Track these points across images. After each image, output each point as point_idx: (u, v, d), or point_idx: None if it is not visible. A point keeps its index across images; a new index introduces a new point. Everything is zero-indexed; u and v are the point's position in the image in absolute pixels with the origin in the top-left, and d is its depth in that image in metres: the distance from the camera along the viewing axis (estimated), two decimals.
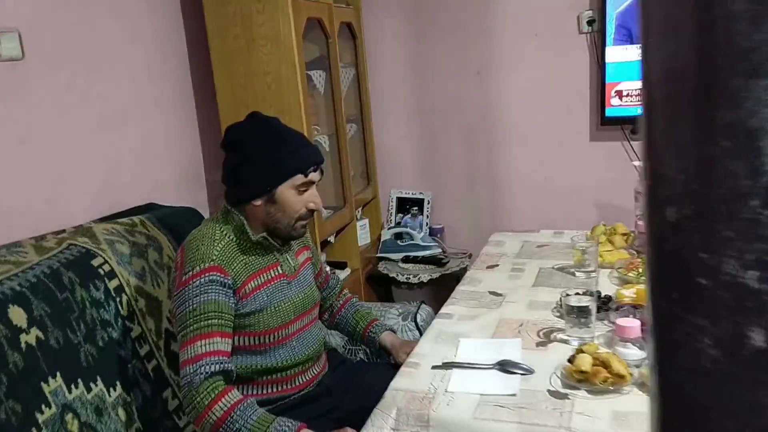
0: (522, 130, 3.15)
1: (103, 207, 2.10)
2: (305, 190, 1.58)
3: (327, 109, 2.86)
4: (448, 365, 1.43)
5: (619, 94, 2.88)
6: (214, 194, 2.75)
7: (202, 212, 2.31)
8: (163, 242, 2.03)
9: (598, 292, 1.52)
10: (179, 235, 2.09)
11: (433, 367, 1.43)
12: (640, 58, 0.39)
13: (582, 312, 1.46)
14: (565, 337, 1.52)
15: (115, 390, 1.69)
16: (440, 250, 3.20)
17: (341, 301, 1.97)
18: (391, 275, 3.08)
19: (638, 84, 2.71)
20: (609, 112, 2.91)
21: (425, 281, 3.06)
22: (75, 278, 1.68)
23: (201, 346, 1.44)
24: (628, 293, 1.66)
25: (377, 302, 2.53)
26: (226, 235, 1.58)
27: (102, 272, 1.77)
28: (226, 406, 1.40)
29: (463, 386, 1.34)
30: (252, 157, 1.56)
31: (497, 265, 2.05)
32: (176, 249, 2.06)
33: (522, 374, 1.37)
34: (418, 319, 2.23)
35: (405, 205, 3.34)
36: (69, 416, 1.53)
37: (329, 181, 2.87)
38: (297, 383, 1.67)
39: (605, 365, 1.29)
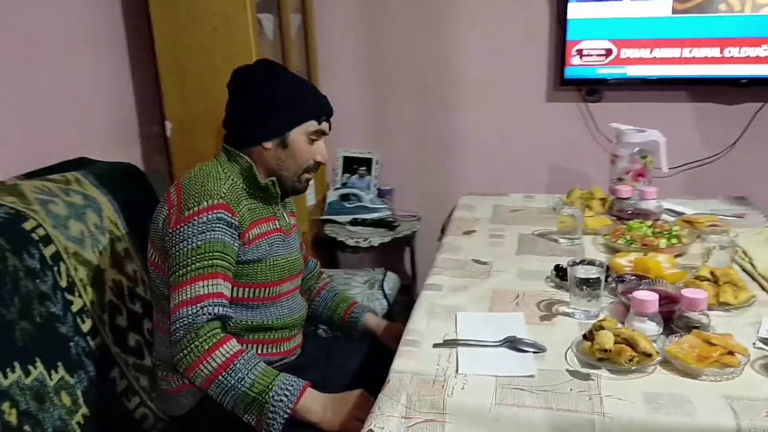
0: (477, 88, 3.02)
1: (22, 161, 1.82)
2: (315, 140, 1.53)
3: (276, 57, 2.62)
4: (451, 343, 1.30)
5: (580, 53, 2.79)
6: (151, 149, 2.48)
7: (140, 168, 2.06)
8: (102, 203, 1.78)
9: (601, 263, 1.42)
10: (121, 196, 1.85)
11: (435, 345, 1.30)
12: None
13: (590, 284, 1.36)
14: (569, 311, 1.41)
15: (56, 372, 1.47)
16: (389, 213, 3.06)
17: (320, 284, 1.83)
18: (339, 239, 2.91)
19: (602, 43, 2.64)
20: (569, 72, 2.82)
21: (375, 245, 2.91)
22: (5, 244, 1.42)
23: (204, 287, 1.34)
24: (624, 262, 1.58)
25: (338, 270, 2.37)
26: (230, 176, 1.48)
27: (36, 237, 1.52)
28: (228, 352, 1.32)
29: (474, 367, 1.21)
30: (267, 98, 1.48)
31: (474, 231, 1.92)
32: (119, 210, 1.82)
33: (534, 352, 1.26)
34: (385, 287, 2.10)
35: (352, 164, 3.16)
36: (5, 405, 1.31)
37: None
38: (282, 349, 1.58)
39: (628, 343, 1.19)
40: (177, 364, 1.34)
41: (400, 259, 3.31)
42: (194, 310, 1.32)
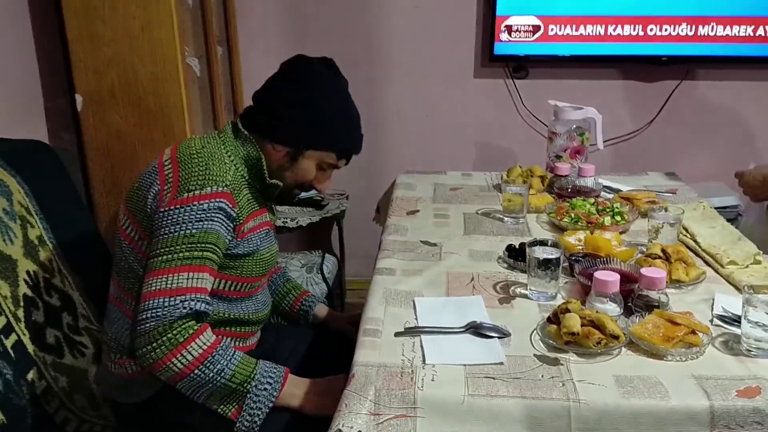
0: (405, 63, 2.95)
1: None
2: (324, 170, 1.45)
3: (195, 26, 2.45)
4: (413, 331, 1.24)
5: (509, 29, 2.77)
6: (57, 125, 2.26)
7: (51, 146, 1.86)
8: (11, 185, 1.60)
9: (556, 242, 1.40)
10: (31, 177, 1.66)
11: (397, 334, 1.24)
12: None
13: (549, 265, 1.34)
14: (527, 292, 1.39)
15: None
16: (316, 191, 2.95)
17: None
18: None
19: (530, 19, 2.63)
20: (498, 48, 2.80)
21: (304, 225, 2.81)
22: None
23: (188, 279, 1.25)
24: (574, 241, 1.57)
25: None
26: (234, 162, 1.37)
27: None
28: (205, 344, 1.24)
29: (441, 356, 1.16)
30: (311, 105, 1.38)
31: (418, 211, 1.87)
32: (30, 194, 1.64)
33: (499, 337, 1.22)
34: (325, 271, 2.02)
35: None
36: None
37: (198, 108, 2.48)
38: (249, 342, 1.51)
39: (594, 325, 1.17)
40: (141, 357, 1.23)
41: (327, 238, 3.23)
42: (172, 302, 1.22)
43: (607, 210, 1.74)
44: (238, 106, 2.88)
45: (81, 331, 1.66)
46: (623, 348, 1.18)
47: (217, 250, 1.30)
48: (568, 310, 1.20)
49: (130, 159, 2.17)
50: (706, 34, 2.70)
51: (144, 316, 1.22)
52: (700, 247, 1.56)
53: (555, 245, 1.37)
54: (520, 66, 2.91)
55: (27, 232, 1.59)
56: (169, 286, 1.23)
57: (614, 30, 2.73)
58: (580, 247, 1.53)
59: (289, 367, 1.34)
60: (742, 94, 2.87)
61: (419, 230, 1.74)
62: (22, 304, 1.51)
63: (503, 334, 1.23)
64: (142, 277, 1.30)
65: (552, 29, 2.75)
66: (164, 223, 1.28)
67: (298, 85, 1.39)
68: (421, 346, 1.19)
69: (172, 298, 1.22)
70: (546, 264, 1.34)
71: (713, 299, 1.34)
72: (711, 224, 1.67)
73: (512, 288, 1.42)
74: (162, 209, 1.29)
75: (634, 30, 2.72)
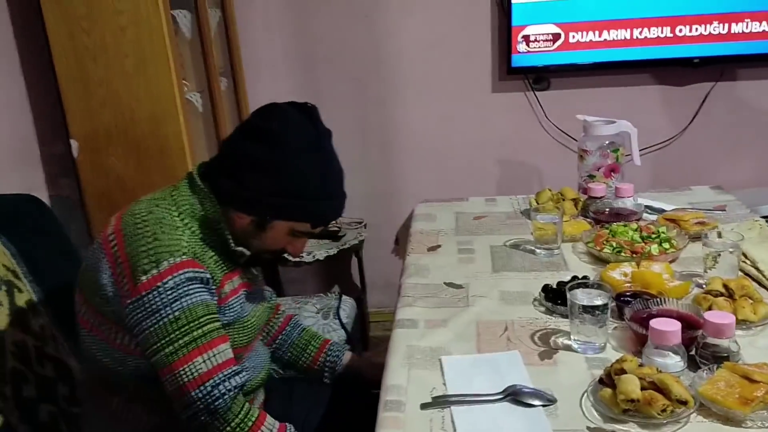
0: (418, 82, 2.80)
1: None
2: (299, 237, 1.26)
3: (195, 59, 2.33)
4: (442, 401, 1.07)
5: (526, 39, 2.61)
6: (55, 172, 2.14)
7: (42, 199, 1.73)
8: None
9: (604, 285, 1.22)
10: (18, 236, 1.53)
11: (424, 406, 1.07)
12: None
13: (595, 311, 1.16)
14: (571, 342, 1.21)
15: None
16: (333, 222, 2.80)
17: (281, 319, 1.56)
18: None
19: (548, 27, 2.46)
20: (516, 60, 2.63)
21: (321, 258, 2.66)
22: None
23: (205, 362, 1.13)
24: (618, 276, 1.39)
25: (285, 297, 2.10)
26: (187, 224, 1.19)
27: None
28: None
29: None
30: (282, 171, 1.18)
31: (439, 246, 1.70)
32: (18, 254, 1.51)
33: (544, 405, 1.05)
34: (342, 316, 1.86)
35: None
36: None
37: (203, 145, 2.35)
38: None
39: (657, 387, 0.99)
40: None
41: (347, 269, 3.07)
42: (207, 391, 1.11)
43: (653, 236, 1.56)
44: None
45: (80, 401, 1.51)
46: (694, 413, 0.99)
47: (213, 316, 1.16)
48: (623, 371, 1.02)
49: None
50: (740, 32, 2.50)
51: (190, 413, 1.12)
52: (764, 276, 1.37)
53: (600, 286, 1.20)
54: (540, 77, 2.73)
55: (14, 298, 1.45)
56: (192, 376, 1.12)
57: (640, 33, 2.55)
58: (628, 284, 1.34)
59: None
60: None
61: (442, 269, 1.57)
62: (9, 379, 1.37)
63: (548, 401, 1.05)
64: (110, 368, 1.19)
65: (573, 37, 2.58)
66: (139, 317, 1.13)
67: (268, 144, 1.17)
68: (452, 422, 1.02)
69: (204, 387, 1.12)
70: (591, 311, 1.16)
71: None
72: None
73: (553, 338, 1.24)
74: (129, 302, 1.14)
75: (662, 32, 2.54)
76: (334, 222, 2.73)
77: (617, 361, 1.04)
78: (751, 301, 1.23)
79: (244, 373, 1.18)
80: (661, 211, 1.78)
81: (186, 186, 1.24)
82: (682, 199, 1.90)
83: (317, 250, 2.65)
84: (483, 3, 2.67)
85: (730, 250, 1.33)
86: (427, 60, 2.76)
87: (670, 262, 1.49)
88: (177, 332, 1.12)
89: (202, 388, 1.11)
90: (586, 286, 1.21)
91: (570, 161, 2.76)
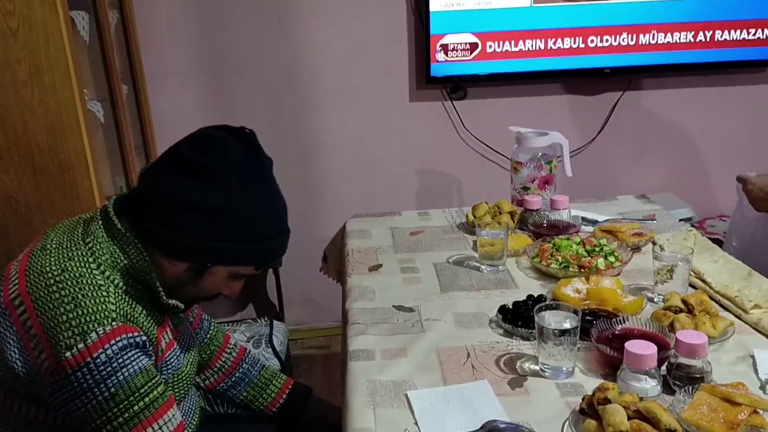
0: (335, 92, 2.70)
1: None
2: (239, 279, 1.13)
3: (94, 65, 2.11)
4: None
5: (445, 48, 2.57)
6: None
7: None
8: None
9: (573, 307, 1.18)
10: None
11: None
12: None
13: (565, 335, 1.11)
14: (537, 368, 1.16)
15: None
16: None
17: (234, 354, 1.40)
18: None
19: (466, 36, 2.44)
20: (435, 69, 2.59)
21: None
22: None
23: None
24: (571, 293, 1.36)
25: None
26: (110, 278, 1.00)
27: None
28: None
29: None
30: (222, 214, 1.02)
31: (381, 266, 1.62)
32: None
33: None
34: (275, 343, 1.72)
35: None
36: None
37: (106, 160, 2.14)
38: None
39: (642, 416, 0.95)
40: None
41: (261, 287, 2.92)
42: None
43: (596, 249, 1.55)
44: (150, 150, 2.54)
45: None
46: None
47: (156, 382, 1.01)
48: (608, 400, 0.97)
49: (25, 228, 1.81)
50: (647, 43, 2.59)
51: None
52: (712, 288, 1.38)
53: (568, 309, 1.15)
54: (457, 86, 2.71)
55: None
56: None
57: (554, 43, 2.59)
58: (586, 303, 1.31)
59: None
60: (685, 101, 2.79)
61: (388, 291, 1.48)
62: None
63: None
64: None
65: (490, 46, 2.58)
66: (65, 397, 0.96)
67: (207, 183, 1.01)
68: None
69: None
70: (561, 334, 1.11)
71: (753, 357, 1.15)
72: (711, 257, 1.50)
73: (519, 363, 1.19)
74: (51, 381, 0.96)
75: (575, 42, 2.58)
76: None
77: (599, 389, 0.99)
78: (708, 317, 1.23)
79: None
80: (594, 222, 1.78)
81: (101, 229, 1.05)
82: (611, 209, 1.92)
83: None
84: (400, 11, 2.62)
85: (682, 263, 1.33)
86: (345, 69, 2.67)
87: (615, 275, 1.48)
88: (115, 410, 0.96)
89: None
90: (548, 307, 1.16)
91: (489, 171, 2.78)
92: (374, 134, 2.75)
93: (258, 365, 1.41)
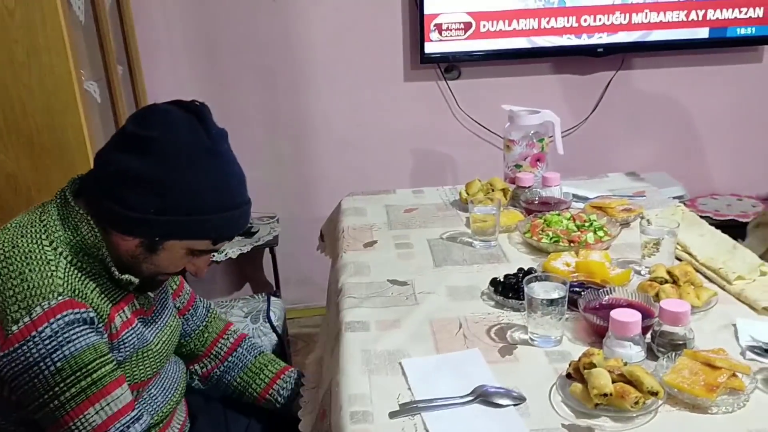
0: (329, 70, 2.72)
1: None
2: (199, 255, 1.12)
3: (89, 44, 2.12)
4: (410, 408, 1.02)
5: (439, 28, 2.59)
6: None
7: None
8: None
9: (561, 278, 1.22)
10: None
11: (393, 415, 1.01)
12: None
13: (553, 305, 1.15)
14: (527, 337, 1.20)
15: None
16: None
17: (231, 340, 1.41)
18: None
19: (460, 16, 2.45)
20: (429, 48, 2.61)
21: (234, 257, 2.54)
22: None
23: (98, 413, 1.00)
24: (561, 266, 1.40)
25: (213, 299, 1.96)
26: (61, 253, 1.02)
27: None
28: None
29: None
30: (168, 186, 1.02)
31: (375, 242, 1.65)
32: None
33: (514, 405, 1.02)
34: (273, 318, 1.76)
35: None
36: None
37: (102, 140, 2.16)
38: None
39: (626, 380, 0.99)
40: None
41: (258, 266, 2.96)
42: None
43: (586, 224, 1.58)
44: None
45: None
46: (659, 402, 1.00)
47: (105, 358, 1.03)
48: (593, 365, 1.01)
49: (25, 207, 1.82)
50: (640, 22, 2.61)
51: None
52: (697, 261, 1.41)
53: (551, 278, 1.19)
54: (451, 66, 2.73)
55: None
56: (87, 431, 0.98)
57: (548, 23, 2.60)
58: (575, 275, 1.35)
59: None
60: (678, 80, 2.82)
61: (383, 266, 1.51)
62: None
63: (518, 400, 1.03)
64: None
65: (484, 26, 2.59)
66: (15, 371, 0.98)
67: (149, 155, 1.02)
68: (425, 429, 0.98)
69: None
70: (549, 304, 1.15)
71: (734, 326, 1.19)
72: (698, 231, 1.54)
73: (509, 333, 1.22)
74: (0, 354, 0.98)
75: (568, 21, 2.60)
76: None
77: (584, 354, 1.03)
78: (692, 287, 1.26)
79: (144, 419, 1.06)
80: (585, 199, 1.81)
81: (56, 208, 1.07)
82: (601, 186, 1.95)
83: (230, 247, 2.52)
84: None
85: (668, 236, 1.36)
86: (338, 47, 2.69)
87: (605, 249, 1.51)
88: (62, 384, 0.99)
89: None
90: (537, 279, 1.20)
91: (483, 150, 2.80)
92: (368, 113, 2.78)
93: (255, 351, 1.42)
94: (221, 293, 2.92)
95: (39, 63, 1.75)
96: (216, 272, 2.89)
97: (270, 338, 1.76)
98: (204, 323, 1.40)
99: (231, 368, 1.39)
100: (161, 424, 1.21)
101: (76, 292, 1.02)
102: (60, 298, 1.00)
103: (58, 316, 0.98)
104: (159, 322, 1.22)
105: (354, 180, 2.66)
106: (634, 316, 1.08)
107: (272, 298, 1.88)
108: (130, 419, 1.04)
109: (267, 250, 2.75)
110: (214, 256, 1.15)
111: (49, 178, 1.83)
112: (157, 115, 1.05)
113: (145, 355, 1.14)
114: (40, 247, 1.02)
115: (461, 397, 1.04)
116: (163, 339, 1.21)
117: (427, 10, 2.56)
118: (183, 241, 1.08)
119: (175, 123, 1.04)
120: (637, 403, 0.97)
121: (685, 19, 2.62)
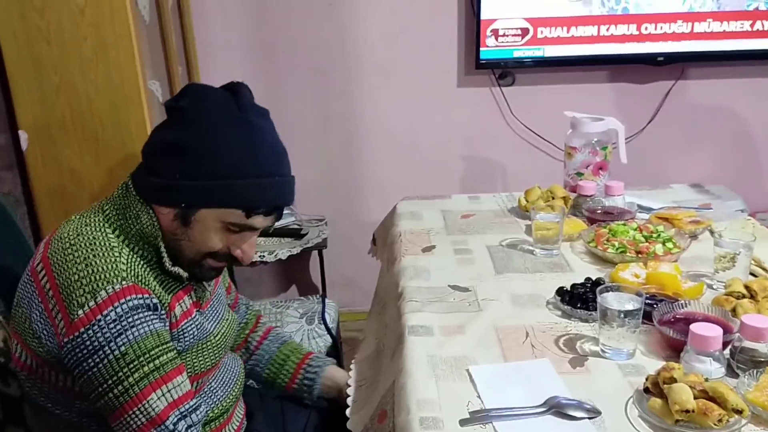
0: (382, 73, 2.72)
1: None
2: (237, 232, 1.09)
3: (153, 45, 2.15)
4: (481, 416, 1.00)
5: (495, 33, 2.57)
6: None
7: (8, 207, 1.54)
8: None
9: (617, 285, 1.19)
10: None
11: (463, 422, 0.99)
12: None
13: (628, 316, 1.11)
14: (597, 349, 1.17)
15: None
16: (294, 219, 2.69)
17: (260, 333, 1.43)
18: None
19: (517, 22, 2.43)
20: (484, 54, 2.59)
21: (284, 258, 2.54)
22: None
23: (160, 399, 1.00)
24: (630, 277, 1.36)
25: (263, 300, 1.98)
26: (126, 242, 1.05)
27: None
28: None
29: None
30: (191, 149, 1.03)
31: (434, 247, 1.63)
32: None
33: (589, 418, 0.99)
34: (328, 320, 1.76)
35: None
36: None
37: None
38: None
39: (708, 396, 0.96)
40: None
41: (305, 269, 2.96)
42: (168, 431, 0.99)
43: (653, 235, 1.54)
44: None
45: None
46: (743, 421, 0.96)
47: (166, 346, 1.04)
48: (674, 379, 0.98)
49: (88, 203, 1.86)
50: (702, 31, 2.55)
51: None
52: None
53: (629, 290, 1.15)
54: (506, 72, 2.71)
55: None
56: (146, 418, 0.99)
57: (607, 30, 2.56)
58: (645, 287, 1.31)
59: None
60: (738, 91, 2.74)
61: (443, 271, 1.50)
62: None
63: (593, 413, 1.00)
64: (56, 414, 1.08)
65: (541, 32, 2.56)
66: (80, 357, 0.99)
67: (176, 123, 1.06)
68: None
69: (162, 427, 1.00)
70: (624, 315, 1.12)
71: None
72: None
73: (579, 344, 1.19)
74: (65, 341, 1.00)
75: (628, 29, 2.55)
76: (294, 219, 2.64)
77: (664, 368, 1.00)
78: None
79: (202, 409, 1.07)
80: (649, 209, 1.77)
81: (117, 198, 1.10)
82: (665, 197, 1.90)
83: (279, 248, 2.53)
84: None
85: (744, 250, 1.32)
86: (393, 51, 2.68)
87: (674, 261, 1.47)
88: (125, 369, 0.99)
89: (162, 427, 1.00)
90: (609, 289, 1.17)
91: (535, 157, 2.77)
92: (420, 118, 2.76)
93: (279, 341, 1.43)
94: (268, 294, 2.93)
95: (106, 59, 1.78)
96: (264, 273, 2.91)
97: (325, 339, 1.76)
98: (245, 320, 1.43)
99: (258, 361, 1.41)
100: (222, 418, 1.21)
101: (140, 278, 1.03)
102: (124, 282, 1.01)
103: (123, 300, 1.00)
104: (217, 315, 1.23)
105: (403, 184, 2.65)
106: (714, 331, 1.04)
107: (327, 300, 1.88)
108: (190, 408, 1.04)
109: (315, 252, 2.75)
110: (257, 235, 1.13)
111: (112, 174, 1.86)
112: (192, 88, 1.11)
113: (204, 346, 1.15)
114: (104, 234, 1.05)
115: (534, 407, 1.01)
116: (222, 331, 1.22)
117: (483, 15, 2.54)
118: (212, 209, 1.06)
119: (207, 95, 1.08)
120: (720, 420, 0.93)
121: (750, 29, 2.55)
